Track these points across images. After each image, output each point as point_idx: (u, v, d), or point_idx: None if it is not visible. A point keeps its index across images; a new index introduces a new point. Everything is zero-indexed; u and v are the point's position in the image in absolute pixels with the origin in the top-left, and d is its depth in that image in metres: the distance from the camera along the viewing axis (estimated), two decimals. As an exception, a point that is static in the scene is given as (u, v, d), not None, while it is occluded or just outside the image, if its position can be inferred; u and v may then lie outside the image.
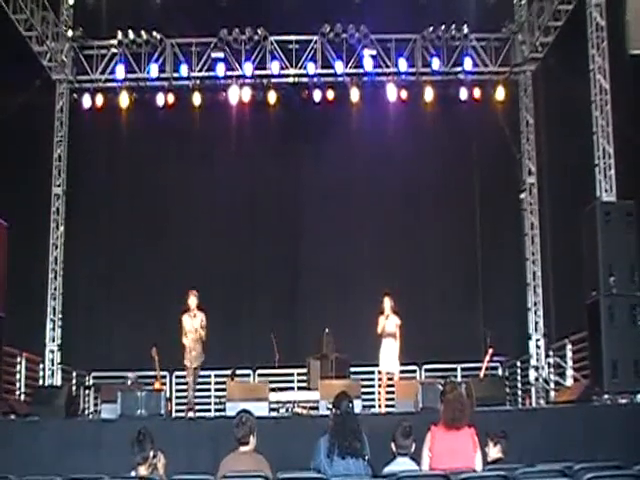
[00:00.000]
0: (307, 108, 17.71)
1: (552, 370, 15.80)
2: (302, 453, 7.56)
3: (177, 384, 16.64)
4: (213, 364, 14.33)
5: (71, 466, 9.00)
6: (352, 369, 14.72)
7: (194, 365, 13.46)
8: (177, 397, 16.25)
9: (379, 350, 13.95)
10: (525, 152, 17.92)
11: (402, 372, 14.43)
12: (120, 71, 17.40)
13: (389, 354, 13.88)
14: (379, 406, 14.03)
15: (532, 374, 16.54)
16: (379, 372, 14.47)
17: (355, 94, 17.52)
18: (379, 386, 14.66)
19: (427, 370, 16.59)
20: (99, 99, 17.58)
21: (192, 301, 13.39)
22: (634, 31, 13.94)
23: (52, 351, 16.90)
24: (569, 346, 14.66)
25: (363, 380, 14.60)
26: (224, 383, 13.67)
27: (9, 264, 13.16)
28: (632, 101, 13.42)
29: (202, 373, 14.02)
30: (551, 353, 16.05)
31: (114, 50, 17.57)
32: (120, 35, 17.17)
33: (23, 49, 16.30)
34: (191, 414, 13.33)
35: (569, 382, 14.59)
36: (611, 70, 13.44)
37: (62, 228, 17.43)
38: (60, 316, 17.16)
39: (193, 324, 13.37)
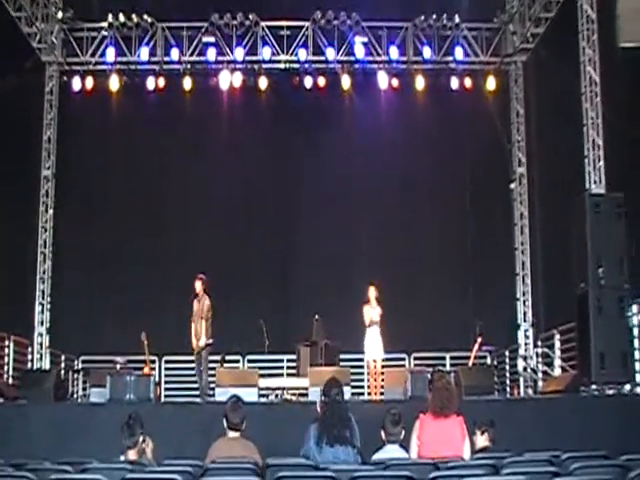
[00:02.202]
0: (298, 94, 17.66)
1: (540, 360, 15.90)
2: (291, 439, 7.61)
3: (166, 369, 16.69)
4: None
5: (60, 450, 8.99)
6: (342, 356, 14.78)
7: (197, 349, 13.46)
8: (166, 382, 16.30)
9: (364, 339, 13.99)
10: (515, 142, 17.98)
11: (391, 360, 14.48)
12: (110, 54, 17.30)
13: (375, 342, 13.94)
14: (374, 394, 14.03)
15: (520, 364, 16.64)
16: (368, 362, 14.50)
17: (346, 81, 17.51)
18: (368, 374, 14.68)
19: (416, 359, 16.64)
20: (89, 82, 17.49)
21: (197, 285, 13.55)
22: (624, 24, 13.93)
23: (41, 334, 16.89)
24: (557, 336, 14.78)
25: (353, 367, 14.63)
26: (214, 369, 13.66)
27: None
28: (622, 93, 13.43)
29: (191, 358, 13.95)
30: (539, 343, 16.15)
31: (104, 33, 17.46)
32: (111, 18, 17.09)
33: (12, 30, 16.18)
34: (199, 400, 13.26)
35: (557, 372, 14.70)
36: (601, 62, 13.49)
37: (51, 211, 17.38)
38: (49, 299, 17.14)
39: (199, 308, 13.50)
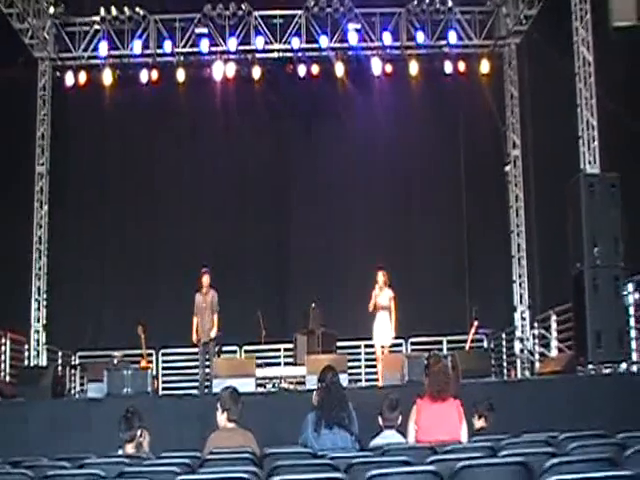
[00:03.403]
0: (292, 83, 17.64)
1: (537, 341, 15.92)
2: (289, 429, 7.63)
3: (163, 362, 16.70)
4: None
5: (58, 446, 8.99)
6: (339, 344, 14.80)
7: (204, 339, 13.62)
8: (163, 375, 16.32)
9: (369, 324, 13.90)
10: (510, 125, 17.94)
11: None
12: (103, 48, 17.25)
13: (383, 327, 13.84)
14: (377, 380, 14.03)
15: (517, 346, 16.65)
16: (368, 346, 14.51)
17: (340, 68, 17.46)
18: (369, 360, 14.68)
19: (413, 344, 16.67)
20: (82, 76, 17.44)
21: (205, 279, 13.70)
22: (617, 3, 13.85)
23: (37, 331, 16.87)
24: (554, 317, 14.78)
25: (350, 355, 14.66)
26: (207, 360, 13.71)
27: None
28: (616, 73, 13.40)
29: (189, 350, 14.02)
30: (536, 325, 16.17)
31: (97, 27, 17.42)
32: (103, 11, 17.03)
33: (4, 26, 16.11)
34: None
35: (554, 353, 14.71)
36: (595, 43, 13.46)
37: (46, 207, 17.34)
38: (45, 296, 17.12)
39: (205, 300, 13.66)
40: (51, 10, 17.17)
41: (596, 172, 12.97)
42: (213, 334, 13.60)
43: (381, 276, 13.87)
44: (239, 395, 7.06)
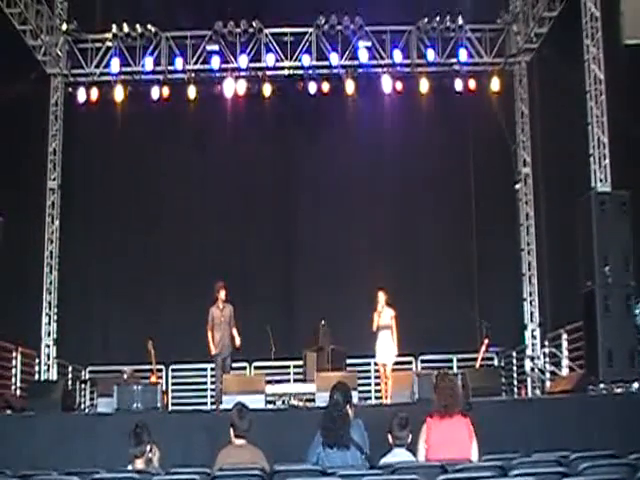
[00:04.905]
0: (302, 100, 17.67)
1: (548, 360, 15.83)
2: (298, 445, 7.58)
3: (173, 377, 16.69)
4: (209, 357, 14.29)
5: (67, 460, 9.01)
6: (348, 361, 14.76)
7: (224, 355, 13.67)
8: (173, 390, 16.30)
9: (375, 343, 13.97)
10: (520, 143, 17.92)
11: (398, 364, 14.44)
12: (115, 64, 17.34)
13: (386, 346, 13.92)
14: (384, 398, 14.02)
15: (528, 364, 16.56)
16: (376, 364, 14.50)
17: (350, 86, 17.50)
18: (378, 377, 14.66)
19: (423, 361, 16.63)
20: (94, 93, 17.53)
21: (222, 294, 13.78)
22: (628, 21, 13.91)
23: (48, 345, 16.88)
24: (564, 336, 14.71)
25: (360, 372, 14.62)
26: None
27: (4, 258, 13.14)
28: (627, 91, 13.41)
29: (198, 366, 14.01)
30: (547, 343, 16.10)
31: (109, 43, 17.52)
32: (115, 28, 17.13)
33: (17, 43, 16.27)
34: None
35: (565, 372, 14.63)
36: (605, 60, 13.42)
37: (57, 222, 17.40)
38: (55, 310, 17.14)
39: (222, 315, 13.74)
40: (64, 27, 17.31)
41: (607, 190, 12.91)
42: (238, 342, 13.69)
43: (382, 296, 13.97)
44: (247, 411, 7.04)
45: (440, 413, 7.18)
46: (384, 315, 13.93)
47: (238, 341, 13.74)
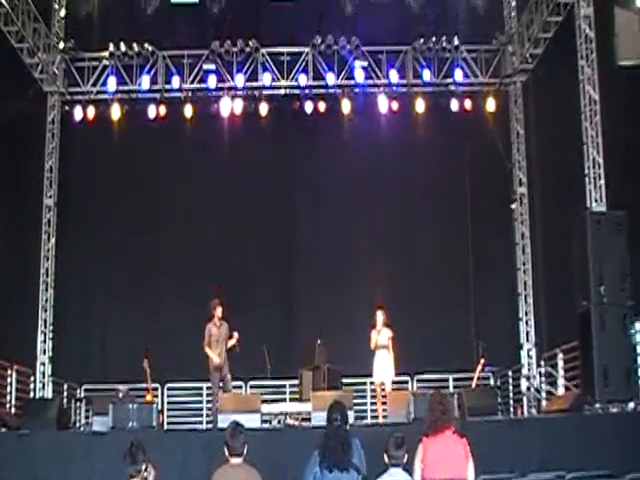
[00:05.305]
0: (299, 120, 17.75)
1: (544, 379, 15.82)
2: (294, 465, 7.55)
3: (169, 396, 16.63)
4: (205, 375, 14.26)
5: (63, 478, 8.95)
6: (344, 380, 14.74)
7: (224, 372, 13.62)
8: (169, 409, 16.23)
9: (372, 362, 13.99)
10: (516, 162, 18.02)
11: (394, 383, 14.41)
12: (112, 83, 17.41)
13: (383, 365, 13.93)
14: (381, 417, 14.00)
15: (524, 384, 16.56)
16: (372, 383, 14.48)
17: (346, 106, 17.57)
18: (374, 397, 14.63)
19: (419, 381, 16.60)
20: (91, 111, 17.59)
21: (219, 311, 13.72)
22: (623, 42, 14.02)
23: (43, 363, 16.85)
24: (560, 355, 14.70)
25: (356, 391, 14.59)
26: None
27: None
28: (621, 111, 13.47)
29: (194, 385, 13.97)
30: (542, 362, 16.08)
31: (106, 62, 17.59)
32: (112, 47, 17.22)
33: (15, 61, 16.28)
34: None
35: (561, 391, 14.61)
36: (600, 81, 13.53)
37: (53, 240, 17.40)
38: (51, 328, 17.11)
39: (220, 333, 13.69)
40: (61, 45, 17.46)
41: (602, 210, 12.98)
42: (227, 369, 13.63)
43: (380, 315, 13.98)
44: (241, 430, 7.00)
45: (431, 429, 7.16)
46: (382, 335, 13.95)
47: (233, 341, 13.67)
